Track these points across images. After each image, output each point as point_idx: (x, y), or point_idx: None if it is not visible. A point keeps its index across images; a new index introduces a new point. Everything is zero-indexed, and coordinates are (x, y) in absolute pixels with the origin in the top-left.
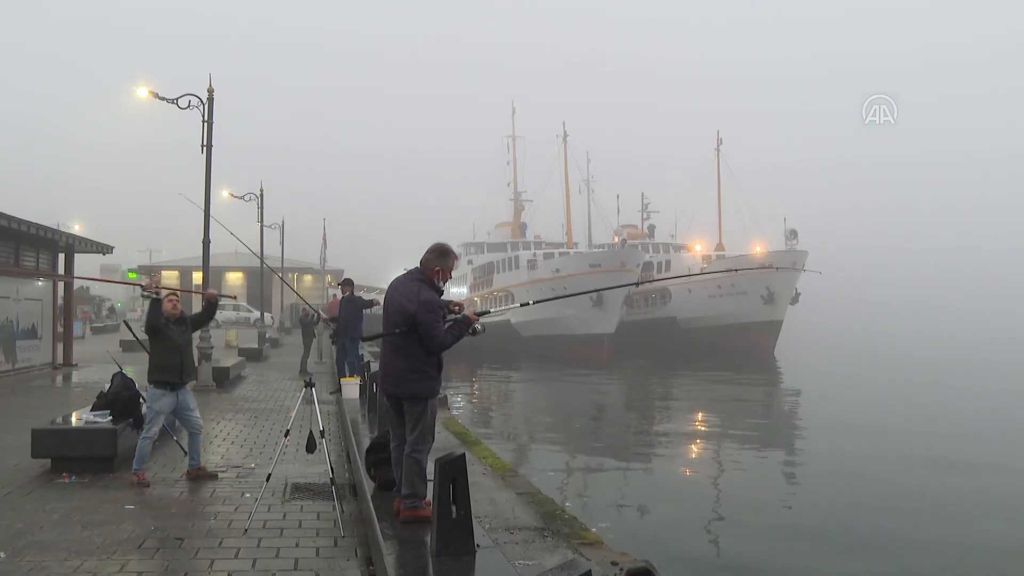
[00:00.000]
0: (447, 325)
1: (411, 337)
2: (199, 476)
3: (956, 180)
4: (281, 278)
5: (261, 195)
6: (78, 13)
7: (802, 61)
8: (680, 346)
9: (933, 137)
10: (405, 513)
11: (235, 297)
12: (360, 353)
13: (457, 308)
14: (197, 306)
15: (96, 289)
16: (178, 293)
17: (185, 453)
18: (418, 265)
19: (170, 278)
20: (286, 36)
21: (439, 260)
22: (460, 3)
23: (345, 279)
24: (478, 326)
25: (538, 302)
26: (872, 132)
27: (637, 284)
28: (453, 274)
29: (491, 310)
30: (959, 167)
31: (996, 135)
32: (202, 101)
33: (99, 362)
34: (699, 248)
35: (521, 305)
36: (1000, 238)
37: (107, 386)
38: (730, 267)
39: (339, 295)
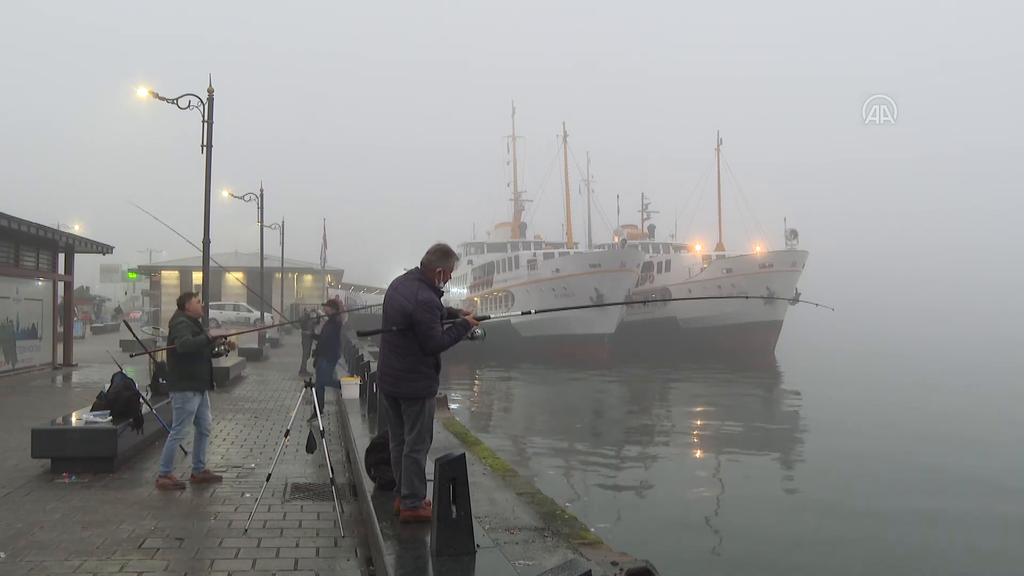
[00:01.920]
0: (446, 327)
1: (409, 336)
2: (205, 479)
3: (958, 182)
4: (273, 308)
5: (261, 195)
6: (78, 16)
7: (802, 63)
8: (680, 346)
9: (935, 139)
10: (405, 513)
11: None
12: (360, 353)
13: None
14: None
15: (96, 289)
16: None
17: (186, 453)
18: (418, 265)
19: (170, 278)
20: (285, 40)
21: (440, 261)
22: (461, 7)
23: (330, 300)
24: (478, 331)
25: (540, 312)
26: (873, 134)
27: (644, 303)
28: (452, 274)
29: (491, 315)
30: (961, 169)
31: (998, 137)
32: (202, 101)
33: (99, 362)
34: (699, 248)
35: (522, 313)
36: (1000, 238)
37: (107, 386)
38: (730, 271)
39: (340, 295)
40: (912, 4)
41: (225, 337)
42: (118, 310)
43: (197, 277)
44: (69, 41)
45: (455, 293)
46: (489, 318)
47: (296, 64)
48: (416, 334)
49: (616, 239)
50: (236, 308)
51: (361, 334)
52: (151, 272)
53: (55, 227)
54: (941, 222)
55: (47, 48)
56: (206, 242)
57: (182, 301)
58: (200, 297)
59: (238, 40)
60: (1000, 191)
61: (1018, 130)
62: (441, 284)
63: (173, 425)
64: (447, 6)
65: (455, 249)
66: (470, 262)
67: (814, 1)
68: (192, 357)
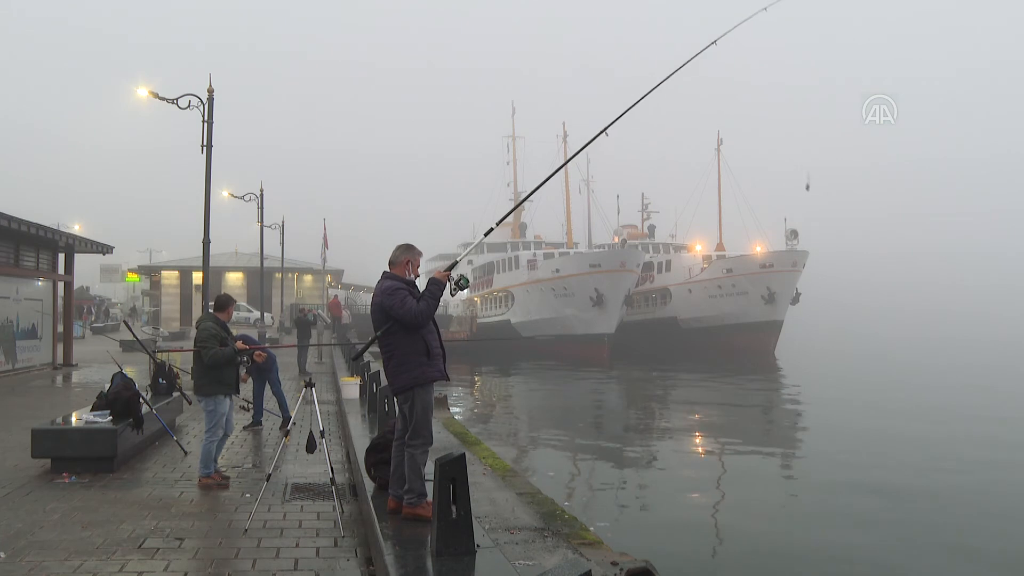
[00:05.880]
0: (421, 295)
1: (393, 335)
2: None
3: (959, 185)
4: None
5: (261, 195)
6: (77, 21)
7: (803, 65)
8: (680, 346)
9: (935, 143)
10: (406, 510)
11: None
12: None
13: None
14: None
15: (96, 289)
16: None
17: (186, 454)
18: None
19: (170, 278)
20: (283, 45)
21: (405, 253)
22: (459, 10)
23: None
24: (457, 279)
25: (501, 222)
26: (873, 136)
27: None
28: (453, 273)
29: (458, 259)
30: (962, 173)
31: (999, 141)
32: (202, 101)
33: (99, 362)
34: (699, 248)
35: (485, 234)
36: (999, 241)
37: (107, 386)
38: (730, 271)
39: (339, 295)
40: (914, 10)
41: (251, 352)
42: (132, 310)
43: (197, 277)
44: (69, 47)
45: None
46: (456, 263)
47: (295, 71)
48: (395, 318)
49: (616, 239)
50: (236, 307)
51: (355, 357)
52: (151, 272)
53: (55, 227)
54: (942, 225)
55: (47, 53)
56: (206, 242)
57: (219, 304)
58: (235, 304)
59: (237, 45)
60: (1000, 194)
61: (1017, 134)
62: (411, 275)
63: (206, 428)
64: (446, 10)
65: (455, 249)
66: (470, 262)
67: (815, 4)
68: (227, 363)
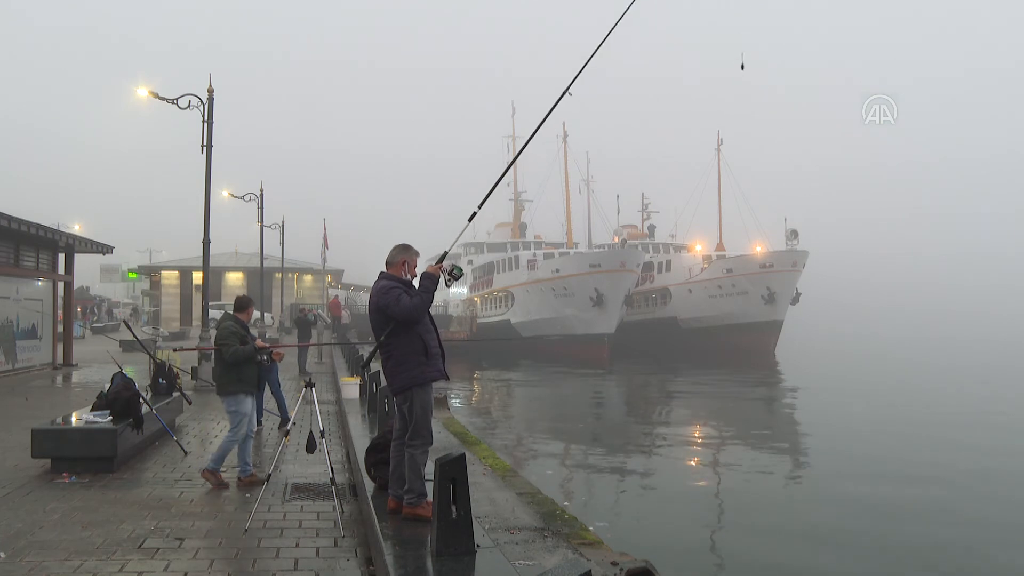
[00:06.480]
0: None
1: (395, 335)
2: (252, 483)
3: (960, 186)
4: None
5: (261, 195)
6: (77, 22)
7: (803, 66)
8: (680, 346)
9: (935, 143)
10: (406, 510)
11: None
12: (360, 354)
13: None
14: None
15: (96, 289)
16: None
17: (186, 453)
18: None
19: (170, 278)
20: (283, 45)
21: (401, 254)
22: (457, 13)
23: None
24: (450, 269)
25: (473, 216)
26: (874, 138)
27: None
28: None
29: (447, 251)
30: (961, 173)
31: (999, 141)
32: (202, 101)
33: (99, 362)
34: (699, 248)
35: (470, 218)
36: (997, 242)
37: (107, 386)
38: (730, 271)
39: (339, 295)
40: (914, 10)
41: (269, 349)
42: (133, 311)
43: (197, 277)
44: (69, 48)
45: (455, 293)
46: (446, 254)
47: (296, 71)
48: (392, 317)
49: (616, 239)
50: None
51: (363, 365)
52: (151, 272)
53: (55, 227)
54: (942, 225)
55: (47, 53)
56: (206, 242)
57: (238, 305)
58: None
59: (238, 45)
60: (1000, 194)
61: (1017, 134)
62: (408, 275)
63: (231, 428)
64: (446, 10)
65: (455, 249)
66: (470, 262)
67: (815, 5)
68: (247, 362)
